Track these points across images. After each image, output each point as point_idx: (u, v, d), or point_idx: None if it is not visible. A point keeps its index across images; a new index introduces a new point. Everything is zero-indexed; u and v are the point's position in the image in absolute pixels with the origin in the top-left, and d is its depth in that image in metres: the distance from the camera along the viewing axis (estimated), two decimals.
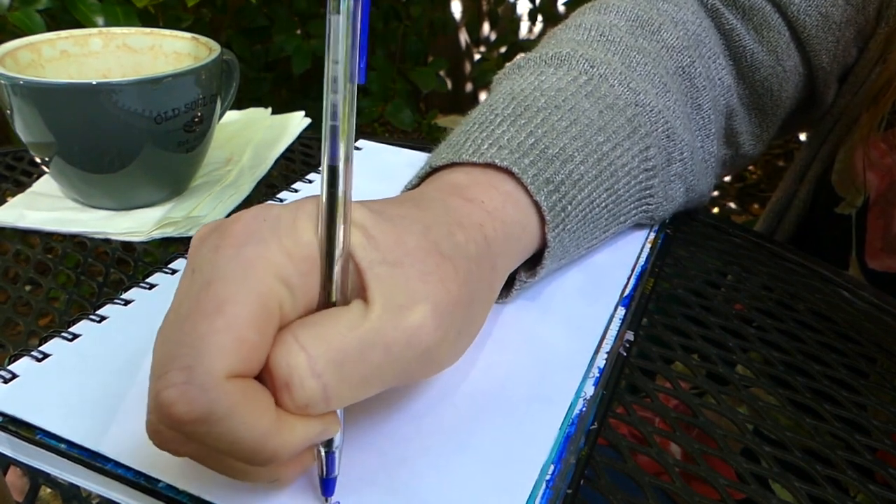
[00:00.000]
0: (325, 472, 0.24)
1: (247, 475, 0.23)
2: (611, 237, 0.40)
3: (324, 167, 0.22)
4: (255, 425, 0.20)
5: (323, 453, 0.24)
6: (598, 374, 0.31)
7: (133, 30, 0.50)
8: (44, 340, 0.31)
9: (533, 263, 0.34)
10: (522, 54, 0.42)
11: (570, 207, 0.34)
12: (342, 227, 0.22)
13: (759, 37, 0.45)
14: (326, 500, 0.24)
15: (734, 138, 0.48)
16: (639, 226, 0.43)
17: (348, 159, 0.22)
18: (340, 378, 0.21)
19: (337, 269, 0.22)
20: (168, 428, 0.21)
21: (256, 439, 0.20)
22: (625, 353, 0.32)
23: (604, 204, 0.36)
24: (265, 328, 0.21)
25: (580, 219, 0.35)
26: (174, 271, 0.37)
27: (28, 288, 0.39)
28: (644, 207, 0.40)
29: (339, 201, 0.22)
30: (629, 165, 0.37)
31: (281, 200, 0.45)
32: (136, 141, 0.42)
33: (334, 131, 0.21)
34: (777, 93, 0.47)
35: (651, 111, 0.39)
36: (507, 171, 0.32)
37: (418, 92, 1.61)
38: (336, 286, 0.22)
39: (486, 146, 0.33)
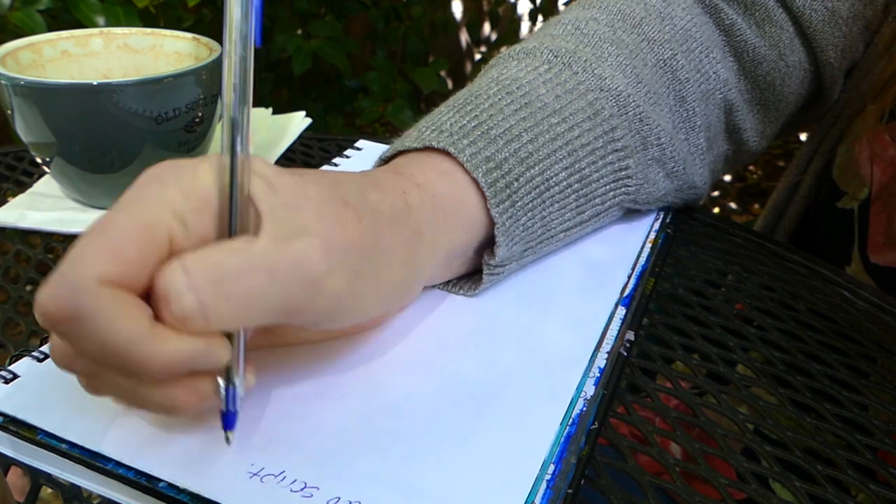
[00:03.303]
0: (224, 406, 0.25)
1: (140, 399, 0.24)
2: (596, 221, 0.39)
3: (225, 118, 0.23)
4: (123, 328, 0.21)
5: (222, 386, 0.24)
6: (598, 374, 0.31)
7: (134, 30, 0.50)
8: (45, 341, 0.31)
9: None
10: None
11: (516, 184, 0.34)
12: (242, 171, 0.24)
13: (762, 32, 0.45)
14: (227, 434, 0.25)
15: (736, 134, 0.48)
16: (638, 224, 0.43)
17: (246, 112, 0.23)
18: (218, 296, 0.22)
19: (236, 209, 0.24)
20: (50, 330, 0.23)
21: (125, 343, 0.21)
22: (625, 353, 0.32)
23: (565, 182, 0.36)
24: (146, 248, 0.22)
25: (535, 196, 0.35)
26: None
27: (29, 288, 0.39)
28: (623, 189, 0.39)
29: (238, 147, 0.23)
30: (592, 145, 0.37)
31: None
32: (137, 141, 0.42)
33: (235, 88, 0.23)
34: (780, 87, 0.47)
35: (618, 95, 0.39)
36: (446, 153, 0.33)
37: (419, 92, 1.61)
38: (234, 224, 0.24)
39: (427, 132, 0.34)
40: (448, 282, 0.36)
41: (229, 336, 0.24)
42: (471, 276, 0.36)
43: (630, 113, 0.39)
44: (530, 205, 0.35)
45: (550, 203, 0.36)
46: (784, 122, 0.51)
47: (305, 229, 0.24)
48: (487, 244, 0.35)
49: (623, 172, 0.39)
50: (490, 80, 0.38)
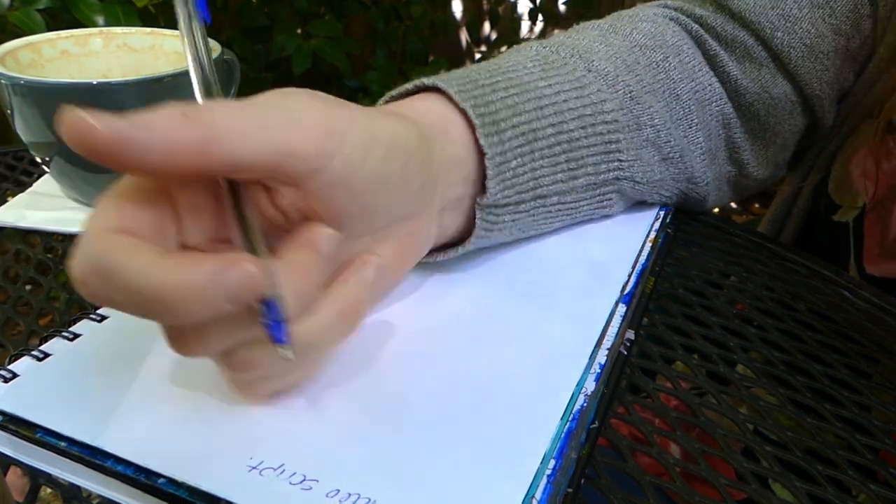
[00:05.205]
0: (267, 318, 0.24)
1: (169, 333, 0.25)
2: (592, 196, 0.40)
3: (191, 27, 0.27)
4: (136, 260, 0.22)
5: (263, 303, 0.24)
6: (598, 371, 0.31)
7: (133, 29, 0.50)
8: (44, 340, 0.31)
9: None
10: None
11: (504, 124, 0.34)
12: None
13: (743, 67, 0.46)
14: (281, 349, 0.24)
15: (737, 154, 0.48)
16: (639, 224, 0.43)
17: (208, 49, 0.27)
18: (218, 125, 0.24)
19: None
20: (92, 299, 0.23)
21: (140, 271, 0.22)
22: (625, 353, 0.32)
23: (553, 139, 0.36)
24: (148, 192, 0.24)
25: (524, 143, 0.35)
26: None
27: (28, 287, 0.39)
28: (616, 164, 0.39)
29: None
30: (580, 112, 0.37)
31: None
32: None
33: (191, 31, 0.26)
34: (765, 118, 0.47)
35: (606, 75, 0.40)
36: (435, 90, 0.35)
37: None
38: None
39: (418, 82, 0.36)
40: (444, 246, 0.36)
41: (251, 241, 0.24)
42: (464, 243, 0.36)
43: (620, 91, 0.40)
44: (519, 150, 0.35)
45: (540, 156, 0.36)
46: (780, 149, 0.51)
47: None
48: (476, 192, 0.35)
49: (613, 145, 0.39)
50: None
